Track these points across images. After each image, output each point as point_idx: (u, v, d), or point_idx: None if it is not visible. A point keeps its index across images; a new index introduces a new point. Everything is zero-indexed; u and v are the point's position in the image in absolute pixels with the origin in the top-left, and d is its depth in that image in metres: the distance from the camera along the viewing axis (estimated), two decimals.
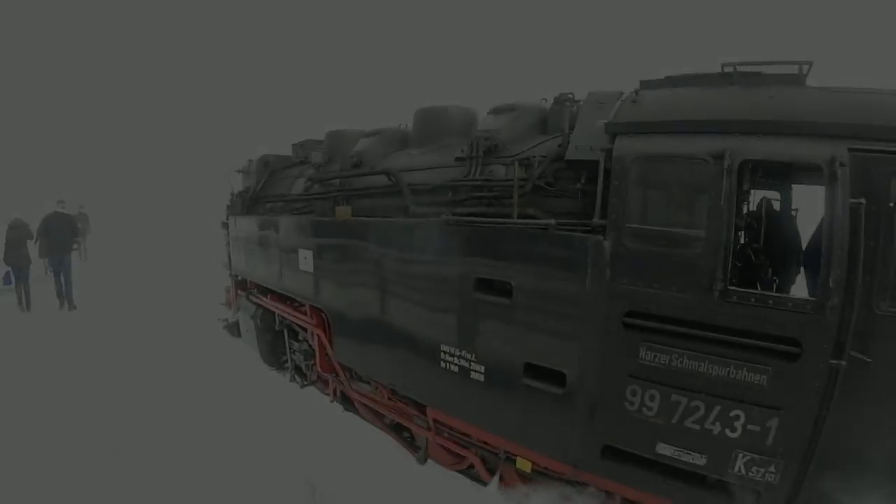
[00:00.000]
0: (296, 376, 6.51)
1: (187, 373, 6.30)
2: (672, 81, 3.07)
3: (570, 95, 4.15)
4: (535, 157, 3.71)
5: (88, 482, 3.87)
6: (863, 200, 2.27)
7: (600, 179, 2.80)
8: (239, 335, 7.88)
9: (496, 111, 4.42)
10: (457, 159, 4.27)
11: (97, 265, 14.29)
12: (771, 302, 2.38)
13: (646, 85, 3.17)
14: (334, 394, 5.76)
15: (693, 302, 2.47)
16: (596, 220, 2.77)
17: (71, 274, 9.19)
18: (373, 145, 5.58)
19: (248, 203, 7.22)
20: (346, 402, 5.58)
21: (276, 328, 6.56)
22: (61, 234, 8.91)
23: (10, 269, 9.15)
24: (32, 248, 9.21)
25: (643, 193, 2.66)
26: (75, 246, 9.37)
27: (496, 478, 3.62)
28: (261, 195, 7.15)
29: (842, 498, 2.48)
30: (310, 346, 5.91)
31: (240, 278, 7.69)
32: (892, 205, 2.35)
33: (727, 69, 2.86)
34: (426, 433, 4.19)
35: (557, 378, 2.99)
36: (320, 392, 6.12)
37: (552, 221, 2.92)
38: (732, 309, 2.42)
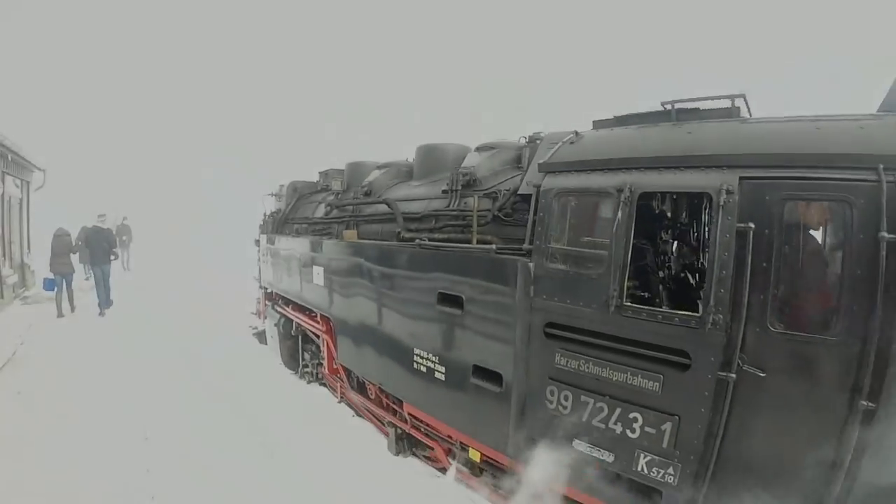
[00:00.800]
0: (307, 375, 7.31)
1: (215, 373, 7.16)
2: (619, 120, 3.55)
3: (542, 134, 4.77)
4: (500, 191, 4.34)
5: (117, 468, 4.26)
6: (751, 224, 2.51)
7: (531, 211, 3.38)
8: (266, 342, 8.81)
9: (479, 149, 5.08)
10: (442, 192, 4.97)
11: (139, 274, 15.62)
12: (660, 317, 2.78)
13: (599, 124, 3.72)
14: (341, 395, 6.45)
15: (595, 315, 2.94)
16: (526, 246, 3.34)
17: (109, 281, 10.13)
18: (382, 176, 6.38)
19: (277, 224, 8.21)
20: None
21: (293, 334, 7.40)
22: (99, 246, 9.81)
23: (53, 276, 9.70)
24: (75, 256, 10.11)
25: (560, 222, 3.19)
26: (113, 257, 10.11)
27: (453, 467, 4.14)
28: (289, 217, 8.12)
29: (728, 496, 2.68)
30: (319, 349, 6.68)
31: (268, 290, 8.65)
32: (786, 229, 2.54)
33: (667, 107, 3.27)
34: (403, 426, 4.79)
35: (496, 378, 3.52)
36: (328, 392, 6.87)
37: (493, 247, 3.52)
38: (628, 322, 2.85)
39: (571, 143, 3.52)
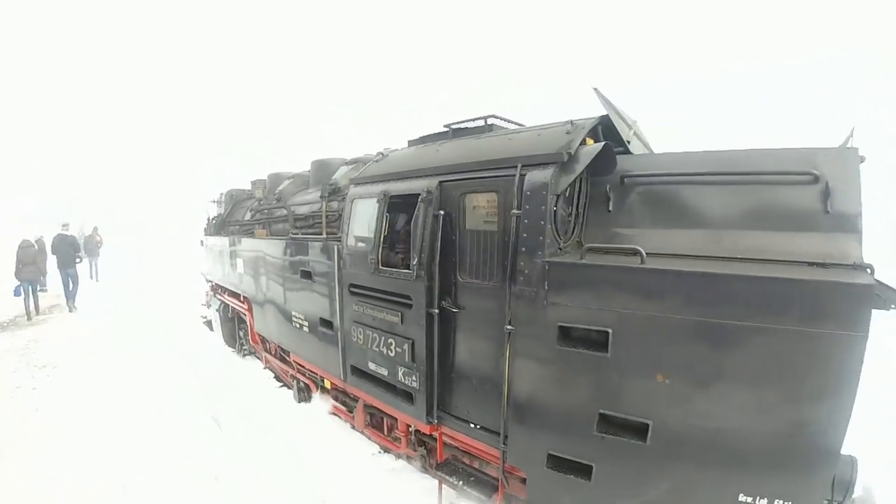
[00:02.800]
0: (243, 350, 9.14)
1: (172, 356, 8.86)
2: (421, 140, 5.24)
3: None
4: None
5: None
6: (442, 212, 3.90)
7: (346, 211, 5.23)
8: (213, 328, 10.60)
9: (347, 163, 6.89)
10: (320, 197, 6.79)
11: (106, 276, 16.88)
12: (393, 274, 4.41)
13: (411, 143, 5.43)
14: (266, 361, 8.28)
15: (367, 276, 4.75)
16: (340, 234, 5.21)
17: (77, 281, 11.60)
18: (289, 186, 8.16)
19: (217, 226, 9.99)
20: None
21: (230, 316, 9.22)
22: (65, 251, 11.28)
23: (20, 283, 10.71)
24: (42, 263, 11.12)
25: (354, 217, 5.02)
26: (77, 260, 11.41)
27: (317, 394, 6.02)
28: (227, 220, 9.89)
29: (458, 399, 4.05)
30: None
31: (213, 283, 10.43)
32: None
33: (446, 128, 4.86)
34: (297, 375, 6.67)
35: (330, 325, 5.37)
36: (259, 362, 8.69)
37: (324, 236, 5.37)
38: (381, 279, 4.54)
39: (376, 160, 5.36)
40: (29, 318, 10.87)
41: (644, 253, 2.85)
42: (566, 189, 3.28)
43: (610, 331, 2.90)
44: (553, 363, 3.24)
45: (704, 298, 2.67)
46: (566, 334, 3.13)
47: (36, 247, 11.14)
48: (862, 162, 2.88)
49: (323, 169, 7.51)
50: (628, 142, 3.84)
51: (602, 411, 3.01)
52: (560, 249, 3.31)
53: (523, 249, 3.36)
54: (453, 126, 4.84)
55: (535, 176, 3.32)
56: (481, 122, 4.70)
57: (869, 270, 2.56)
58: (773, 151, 3.15)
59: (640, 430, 2.91)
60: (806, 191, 2.90)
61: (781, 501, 2.62)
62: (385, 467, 5.11)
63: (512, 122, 4.84)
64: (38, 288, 11.19)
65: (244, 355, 9.12)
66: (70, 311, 11.51)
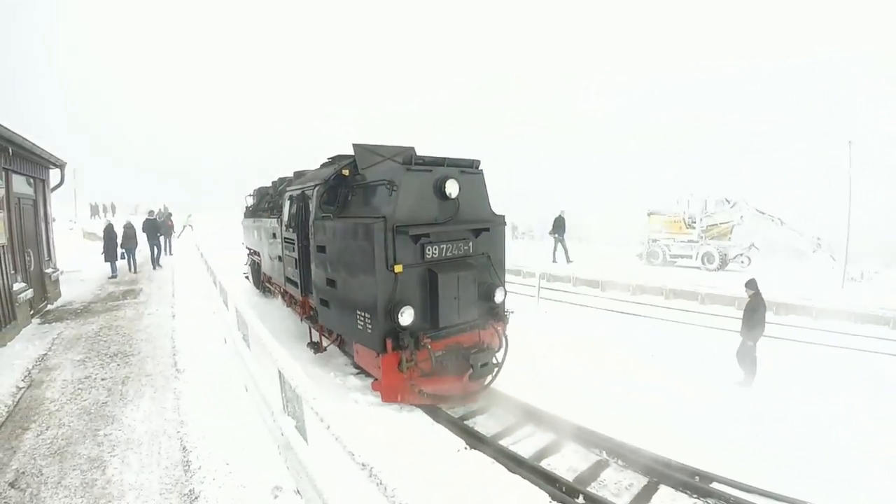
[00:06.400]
0: (266, 292, 15.13)
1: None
2: (323, 165, 10.67)
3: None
4: None
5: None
6: (303, 204, 9.44)
7: (284, 202, 10.65)
8: (249, 279, 16.78)
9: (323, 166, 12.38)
10: None
11: (176, 250, 24.58)
12: (290, 231, 9.82)
13: (322, 165, 10.82)
14: (273, 293, 14.11)
15: (286, 233, 10.16)
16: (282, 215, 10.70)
17: (161, 248, 18.75)
18: (286, 185, 13.87)
19: (249, 213, 16.09)
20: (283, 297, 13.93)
21: (256, 269, 15.25)
22: (151, 229, 18.23)
23: (124, 249, 16.60)
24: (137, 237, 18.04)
25: (283, 206, 10.44)
26: (159, 235, 18.27)
27: (279, 298, 11.65)
28: (255, 208, 15.94)
29: (311, 284, 9.55)
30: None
31: (249, 249, 16.59)
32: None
33: (329, 159, 10.34)
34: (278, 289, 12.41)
35: (280, 258, 10.89)
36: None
37: (275, 217, 10.90)
38: (288, 234, 9.93)
39: (297, 175, 10.76)
40: (132, 271, 17.50)
41: (335, 216, 7.84)
42: (324, 192, 8.31)
43: (326, 244, 7.59)
44: (317, 260, 7.96)
45: (338, 231, 7.16)
46: (318, 248, 8.02)
47: (134, 228, 17.99)
48: (409, 171, 7.31)
49: (299, 175, 13.13)
50: (364, 168, 7.48)
51: (327, 277, 7.54)
52: (325, 216, 8.25)
53: (311, 217, 8.40)
54: (330, 157, 10.02)
55: (316, 187, 8.50)
56: (335, 156, 9.82)
57: (384, 219, 6.48)
58: (390, 168, 7.14)
59: (334, 283, 7.33)
60: (386, 189, 6.86)
61: (370, 317, 6.59)
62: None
63: (350, 156, 9.90)
64: (127, 257, 17.75)
65: (265, 294, 15.05)
66: (154, 269, 18.31)
